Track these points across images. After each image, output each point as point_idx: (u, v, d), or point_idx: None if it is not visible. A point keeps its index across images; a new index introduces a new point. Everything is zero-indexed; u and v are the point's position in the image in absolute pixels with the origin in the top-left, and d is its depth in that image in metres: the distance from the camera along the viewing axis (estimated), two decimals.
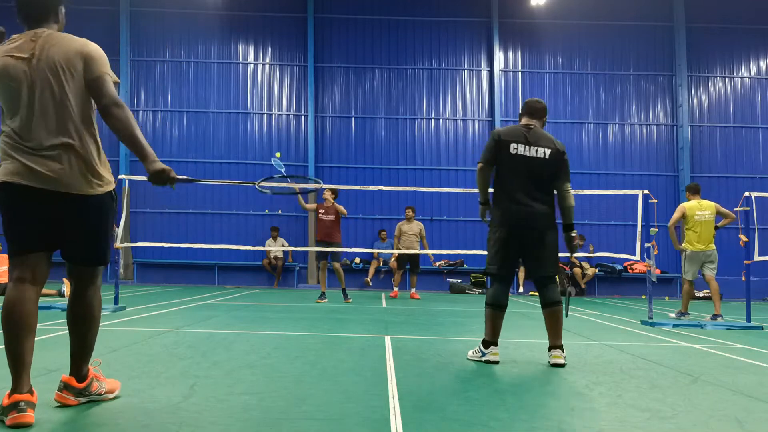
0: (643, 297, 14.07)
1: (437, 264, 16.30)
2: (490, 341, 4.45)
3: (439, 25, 17.18)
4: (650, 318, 7.69)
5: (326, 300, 10.24)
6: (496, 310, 4.49)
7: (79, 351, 2.86)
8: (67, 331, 2.91)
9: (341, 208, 10.53)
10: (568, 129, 16.72)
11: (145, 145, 2.76)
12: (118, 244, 7.75)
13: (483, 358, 4.42)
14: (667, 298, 15.48)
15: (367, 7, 17.19)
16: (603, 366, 4.38)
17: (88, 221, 2.76)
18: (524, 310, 9.75)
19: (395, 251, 12.58)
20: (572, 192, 4.64)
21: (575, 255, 15.35)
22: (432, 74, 17.13)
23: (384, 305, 10.04)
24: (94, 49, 2.75)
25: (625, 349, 5.30)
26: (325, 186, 10.57)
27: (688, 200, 9.45)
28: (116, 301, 7.82)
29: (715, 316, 8.72)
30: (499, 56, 17.04)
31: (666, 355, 5.08)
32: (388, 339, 5.53)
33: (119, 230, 7.80)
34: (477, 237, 16.48)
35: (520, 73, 17.17)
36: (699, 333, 6.92)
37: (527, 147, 4.46)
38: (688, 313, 9.11)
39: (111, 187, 2.85)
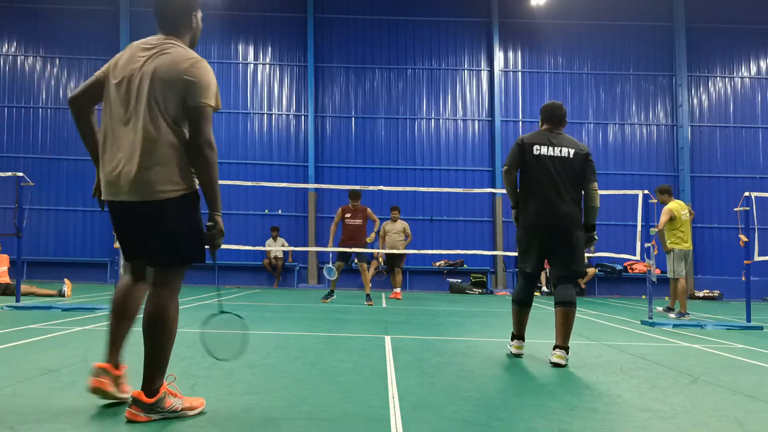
0: (643, 297, 14.08)
1: (437, 264, 16.30)
2: (515, 335, 4.73)
3: (439, 25, 17.18)
4: (650, 318, 7.69)
5: (334, 297, 10.40)
6: (520, 307, 4.70)
7: (151, 361, 2.67)
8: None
9: (371, 213, 10.64)
10: (568, 129, 16.44)
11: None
12: (118, 244, 7.74)
13: (508, 351, 4.78)
14: (667, 298, 15.46)
15: (367, 7, 17.19)
16: (603, 366, 4.38)
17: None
18: None
19: (381, 251, 12.59)
20: (599, 192, 4.73)
21: None
22: (432, 74, 17.13)
23: (384, 305, 10.04)
24: (200, 72, 2.74)
25: (625, 349, 5.30)
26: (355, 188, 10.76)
27: (665, 202, 9.42)
28: None
29: (680, 314, 8.89)
30: (499, 56, 17.04)
31: (666, 355, 5.08)
32: (388, 339, 5.53)
33: None
34: (477, 237, 16.51)
35: (520, 73, 17.17)
36: (699, 333, 6.92)
37: (550, 147, 4.57)
38: (689, 313, 9.15)
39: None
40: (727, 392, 3.56)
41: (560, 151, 4.57)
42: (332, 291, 10.52)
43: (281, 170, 16.35)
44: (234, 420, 2.69)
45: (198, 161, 2.66)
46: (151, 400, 2.62)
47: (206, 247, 2.76)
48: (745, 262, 8.03)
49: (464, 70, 17.19)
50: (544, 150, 4.56)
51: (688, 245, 9.23)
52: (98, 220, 16.58)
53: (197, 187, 2.76)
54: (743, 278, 8.33)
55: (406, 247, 12.72)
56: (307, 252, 16.01)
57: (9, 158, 16.61)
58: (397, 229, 12.72)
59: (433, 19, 17.16)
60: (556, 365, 4.24)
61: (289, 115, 16.96)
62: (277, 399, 3.08)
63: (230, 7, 17.08)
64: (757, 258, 8.17)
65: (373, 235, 11.66)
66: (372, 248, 12.93)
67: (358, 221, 10.37)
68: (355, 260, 10.58)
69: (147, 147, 2.62)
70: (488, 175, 16.74)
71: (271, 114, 16.91)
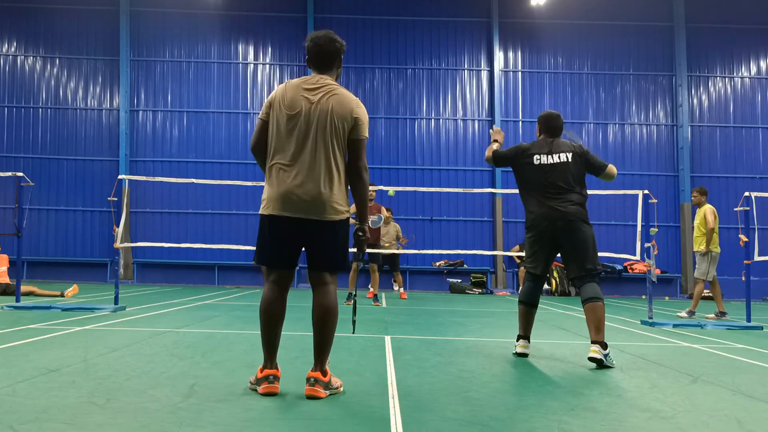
0: (643, 297, 14.08)
1: (437, 264, 16.30)
2: (521, 335, 4.77)
3: (439, 25, 17.19)
4: (650, 318, 7.69)
5: (351, 303, 10.14)
6: (526, 307, 4.80)
7: (324, 347, 3.20)
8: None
9: (384, 210, 10.67)
10: (568, 129, 16.69)
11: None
12: (118, 244, 7.75)
13: (514, 351, 4.79)
14: (667, 298, 15.49)
15: (367, 7, 17.19)
16: (603, 366, 4.37)
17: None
18: None
19: (381, 251, 12.61)
20: (614, 171, 4.87)
21: None
22: (432, 74, 17.13)
23: (384, 305, 10.04)
24: (363, 113, 3.27)
25: (625, 349, 5.30)
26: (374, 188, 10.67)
27: (700, 204, 9.44)
28: (116, 301, 7.82)
29: (722, 314, 8.89)
30: (499, 56, 17.05)
31: (666, 355, 5.08)
32: (388, 339, 5.53)
33: (119, 230, 7.79)
34: (477, 237, 16.52)
35: (520, 73, 17.17)
36: (699, 333, 6.92)
37: (550, 156, 4.72)
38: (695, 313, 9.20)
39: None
40: (727, 392, 3.56)
41: (559, 156, 4.71)
42: (350, 294, 10.34)
43: None
44: (234, 420, 2.68)
45: (357, 182, 3.24)
46: (327, 379, 3.14)
47: (355, 251, 3.35)
48: (745, 262, 8.03)
49: (464, 70, 17.19)
50: (544, 159, 4.71)
51: (719, 249, 9.41)
52: (98, 220, 16.60)
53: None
54: (743, 278, 8.33)
55: (405, 247, 12.73)
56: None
57: (9, 158, 16.62)
58: (390, 234, 12.73)
59: (433, 19, 17.16)
60: (592, 360, 4.26)
61: None
62: (277, 399, 3.08)
63: (230, 7, 17.08)
64: (757, 258, 8.16)
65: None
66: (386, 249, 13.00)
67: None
68: (368, 261, 10.58)
69: (327, 172, 3.16)
70: (488, 175, 16.74)
71: None
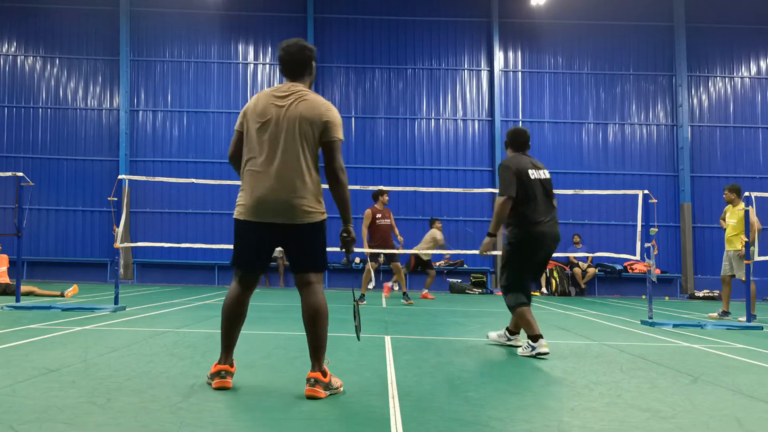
0: (643, 297, 14.08)
1: (437, 264, 16.29)
2: (537, 335, 4.71)
3: (439, 25, 17.18)
4: (650, 318, 7.69)
5: (365, 302, 10.18)
6: (525, 305, 4.91)
7: (319, 346, 3.21)
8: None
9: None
10: (568, 129, 16.72)
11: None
12: (118, 244, 7.75)
13: (534, 352, 4.68)
14: (667, 297, 15.48)
15: (367, 7, 17.19)
16: (603, 366, 4.38)
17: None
18: None
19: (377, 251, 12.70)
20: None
21: (574, 255, 15.48)
22: (432, 74, 17.13)
23: (384, 305, 10.04)
24: (334, 115, 3.29)
25: (625, 349, 5.30)
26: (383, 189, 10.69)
27: (736, 203, 8.91)
28: (116, 301, 7.82)
29: (725, 313, 8.74)
30: (499, 56, 17.05)
31: (666, 355, 5.08)
32: (388, 339, 5.53)
33: (119, 230, 7.79)
34: (477, 237, 16.50)
35: (520, 73, 17.17)
36: (699, 333, 6.92)
37: (537, 171, 4.94)
38: (729, 313, 8.96)
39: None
40: (727, 392, 3.56)
41: (543, 173, 5.01)
42: (363, 296, 10.42)
43: None
44: (234, 420, 2.68)
45: (334, 184, 3.27)
46: (327, 379, 3.16)
47: (343, 251, 3.38)
48: (745, 262, 8.03)
49: (464, 70, 17.19)
50: (534, 174, 4.92)
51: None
52: (98, 220, 16.60)
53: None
54: (743, 278, 8.33)
55: (404, 247, 12.77)
56: None
57: (9, 158, 16.62)
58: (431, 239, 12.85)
59: (433, 19, 17.16)
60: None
61: None
62: (277, 399, 3.08)
63: (230, 7, 17.08)
64: (757, 258, 8.16)
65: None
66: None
67: (387, 221, 10.39)
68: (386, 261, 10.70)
69: (299, 177, 3.21)
70: (488, 175, 16.74)
71: None
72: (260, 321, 6.96)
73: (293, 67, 3.37)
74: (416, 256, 12.76)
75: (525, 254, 4.92)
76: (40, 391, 3.07)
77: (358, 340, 3.75)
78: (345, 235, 3.32)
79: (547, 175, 5.04)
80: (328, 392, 3.15)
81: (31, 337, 5.05)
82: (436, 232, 12.98)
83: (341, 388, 3.27)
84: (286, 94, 3.29)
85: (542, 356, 4.63)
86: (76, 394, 3.04)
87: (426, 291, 12.45)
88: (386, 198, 10.59)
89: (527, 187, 4.86)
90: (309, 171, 3.23)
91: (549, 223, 4.92)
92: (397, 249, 10.72)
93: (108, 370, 3.68)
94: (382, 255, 10.68)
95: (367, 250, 10.18)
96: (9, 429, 2.43)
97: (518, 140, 5.10)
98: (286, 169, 3.18)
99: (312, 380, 3.12)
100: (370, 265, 10.51)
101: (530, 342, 4.73)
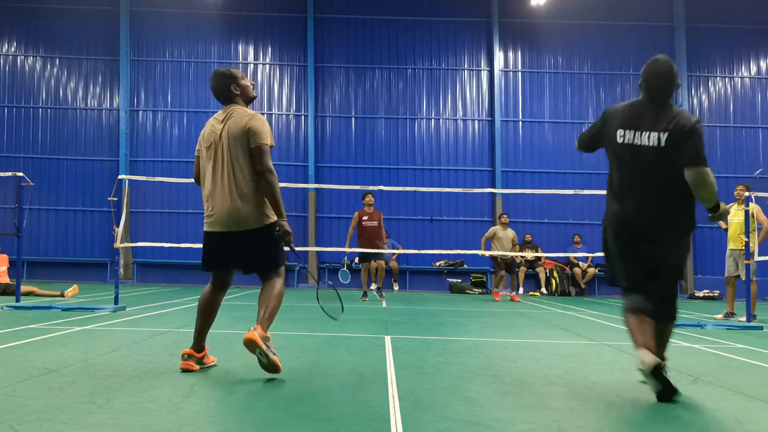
0: None
1: (437, 264, 16.30)
2: (639, 347, 3.46)
3: (439, 25, 17.18)
4: None
5: (367, 299, 10.82)
6: (635, 312, 3.56)
7: (269, 316, 3.59)
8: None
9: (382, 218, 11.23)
10: (568, 129, 16.71)
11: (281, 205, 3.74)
12: (118, 244, 7.75)
13: (639, 375, 3.48)
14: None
15: (368, 7, 17.19)
16: (603, 366, 4.38)
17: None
18: (524, 310, 9.75)
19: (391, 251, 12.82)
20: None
21: (575, 255, 15.48)
22: (432, 74, 17.13)
23: (384, 305, 10.04)
24: (256, 122, 3.68)
25: (625, 349, 5.30)
26: (369, 188, 11.39)
27: (742, 199, 8.68)
28: (116, 301, 7.82)
29: (731, 314, 8.70)
30: (499, 56, 17.04)
31: (666, 355, 5.07)
32: (388, 339, 5.53)
33: (119, 230, 7.79)
34: (477, 237, 16.48)
35: (520, 73, 17.17)
36: (699, 333, 6.91)
37: (638, 133, 3.54)
38: (735, 314, 8.84)
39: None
40: (727, 392, 3.56)
41: (648, 137, 3.57)
42: (366, 293, 11.03)
43: (281, 170, 16.33)
44: (234, 420, 2.69)
45: (262, 183, 3.65)
46: (266, 335, 3.50)
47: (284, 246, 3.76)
48: (745, 262, 8.03)
49: (464, 70, 17.19)
50: (629, 137, 3.62)
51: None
52: (98, 220, 16.60)
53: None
54: (743, 278, 8.33)
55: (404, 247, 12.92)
56: (307, 252, 16.01)
57: (9, 158, 16.62)
58: (507, 238, 12.91)
59: (433, 19, 17.16)
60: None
61: (289, 115, 16.97)
62: (277, 399, 3.08)
63: (230, 7, 17.08)
64: (757, 258, 8.16)
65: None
66: (388, 248, 13.31)
67: (375, 222, 10.95)
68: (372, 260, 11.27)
69: (238, 188, 3.65)
70: (488, 175, 16.74)
71: (271, 114, 16.92)
72: None
73: (217, 95, 3.92)
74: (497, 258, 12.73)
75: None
76: (40, 391, 3.07)
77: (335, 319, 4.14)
78: (277, 229, 3.69)
79: (654, 142, 3.56)
80: (264, 347, 3.43)
81: (31, 337, 5.05)
82: (510, 232, 12.85)
83: (274, 357, 3.52)
84: (223, 117, 3.80)
85: (645, 378, 3.32)
86: (76, 394, 3.04)
87: (516, 292, 12.69)
88: (369, 199, 11.02)
89: (612, 149, 3.72)
90: (246, 181, 3.65)
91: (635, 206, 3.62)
92: (396, 249, 11.25)
93: (108, 370, 3.68)
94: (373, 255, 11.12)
95: (347, 249, 11.02)
96: (9, 429, 2.43)
97: (651, 77, 3.80)
98: (227, 184, 3.66)
99: (256, 332, 3.43)
100: (365, 265, 11.22)
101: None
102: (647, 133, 3.52)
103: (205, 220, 3.81)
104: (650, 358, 3.26)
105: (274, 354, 3.52)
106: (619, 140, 3.57)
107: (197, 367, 3.70)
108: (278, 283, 3.72)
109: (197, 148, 3.91)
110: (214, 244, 3.79)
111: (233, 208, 3.63)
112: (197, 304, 3.89)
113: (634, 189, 3.56)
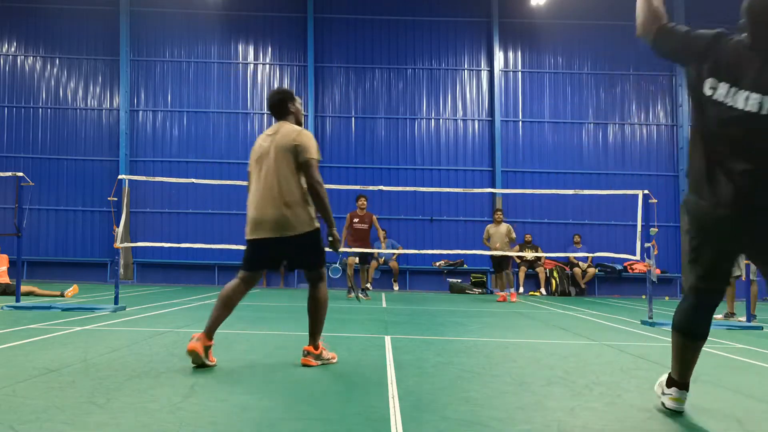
0: (643, 297, 14.08)
1: (437, 264, 16.30)
2: (674, 379, 3.01)
3: (439, 25, 17.18)
4: (650, 318, 7.69)
5: (369, 298, 11.22)
6: (683, 338, 3.01)
7: (316, 328, 4.08)
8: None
9: (375, 220, 11.60)
10: (568, 129, 16.71)
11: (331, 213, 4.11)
12: (118, 244, 7.75)
13: (660, 399, 3.07)
14: (667, 298, 15.47)
15: (368, 7, 17.19)
16: (603, 366, 4.38)
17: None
18: (524, 310, 9.75)
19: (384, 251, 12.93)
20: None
21: (574, 255, 15.48)
22: (432, 74, 17.13)
23: (384, 305, 10.04)
24: (304, 138, 4.00)
25: (625, 349, 5.30)
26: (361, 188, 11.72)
27: None
28: (116, 301, 7.82)
29: (731, 314, 8.61)
30: (499, 56, 17.04)
31: (666, 355, 5.07)
32: (388, 339, 5.53)
33: (119, 230, 7.79)
34: (477, 237, 16.49)
35: (520, 73, 17.17)
36: None
37: (735, 90, 2.68)
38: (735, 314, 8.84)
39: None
40: (727, 392, 3.56)
41: (746, 98, 2.68)
42: (351, 288, 11.29)
43: None
44: (234, 420, 2.69)
45: (314, 197, 4.00)
46: (317, 352, 4.01)
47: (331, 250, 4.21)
48: (745, 262, 8.03)
49: (464, 70, 17.19)
50: (723, 91, 2.75)
51: None
52: (98, 220, 16.60)
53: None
54: (743, 278, 8.33)
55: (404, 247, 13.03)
56: None
57: (9, 158, 16.62)
58: (500, 233, 12.83)
59: (433, 19, 17.16)
60: None
61: None
62: (277, 399, 3.08)
63: (230, 7, 17.08)
64: None
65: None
66: (387, 248, 13.48)
67: (365, 225, 11.31)
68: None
69: (283, 197, 3.94)
70: (488, 175, 16.73)
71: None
72: (260, 321, 6.96)
73: (271, 109, 4.24)
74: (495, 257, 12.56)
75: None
76: (40, 391, 3.07)
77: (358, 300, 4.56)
78: (330, 239, 4.10)
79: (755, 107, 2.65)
80: (319, 362, 3.98)
81: (31, 337, 5.05)
82: (503, 226, 12.61)
83: (334, 360, 4.10)
84: (273, 132, 4.10)
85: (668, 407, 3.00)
86: (76, 394, 3.04)
87: (508, 292, 12.23)
88: (362, 203, 11.28)
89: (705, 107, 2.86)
90: (291, 191, 3.94)
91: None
92: (396, 249, 11.48)
93: (108, 370, 3.68)
94: (358, 255, 11.71)
95: (341, 249, 11.55)
96: (9, 429, 2.43)
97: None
98: (272, 192, 3.93)
99: (305, 352, 3.97)
100: (347, 260, 11.90)
101: (663, 385, 3.09)
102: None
103: (248, 227, 4.05)
104: (678, 406, 2.98)
105: (328, 355, 4.11)
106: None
107: (202, 350, 3.79)
108: (322, 288, 4.10)
109: (249, 163, 4.20)
110: (259, 249, 4.06)
111: (279, 214, 3.90)
112: (219, 294, 4.13)
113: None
